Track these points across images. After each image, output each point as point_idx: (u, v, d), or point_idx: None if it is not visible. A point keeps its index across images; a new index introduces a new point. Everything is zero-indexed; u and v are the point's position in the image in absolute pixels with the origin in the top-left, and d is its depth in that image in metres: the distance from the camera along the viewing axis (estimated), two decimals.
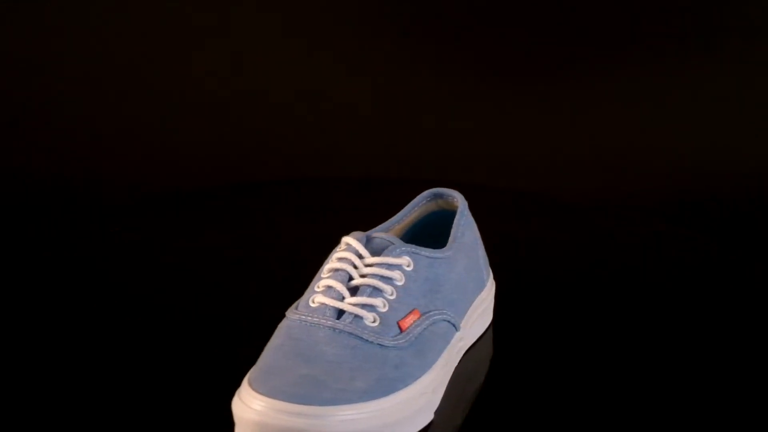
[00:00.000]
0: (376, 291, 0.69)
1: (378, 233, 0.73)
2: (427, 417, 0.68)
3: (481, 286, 0.79)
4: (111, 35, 1.38)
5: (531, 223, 1.09)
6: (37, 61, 1.35)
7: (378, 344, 0.67)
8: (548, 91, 1.44)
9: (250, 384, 0.64)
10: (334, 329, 0.67)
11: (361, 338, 0.67)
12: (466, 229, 0.79)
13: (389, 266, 0.70)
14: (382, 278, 0.70)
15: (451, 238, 0.77)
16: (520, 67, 1.44)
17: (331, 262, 0.71)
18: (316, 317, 0.68)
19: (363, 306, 0.68)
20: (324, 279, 0.70)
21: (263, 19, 1.42)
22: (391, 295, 0.69)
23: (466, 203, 0.81)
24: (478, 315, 0.79)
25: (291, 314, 0.69)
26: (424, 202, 0.83)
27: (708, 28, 1.40)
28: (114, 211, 1.14)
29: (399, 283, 0.70)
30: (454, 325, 0.73)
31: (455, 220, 0.79)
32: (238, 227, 1.02)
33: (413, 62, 1.45)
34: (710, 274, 0.98)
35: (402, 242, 0.72)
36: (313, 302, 0.69)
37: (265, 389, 0.62)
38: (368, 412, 0.63)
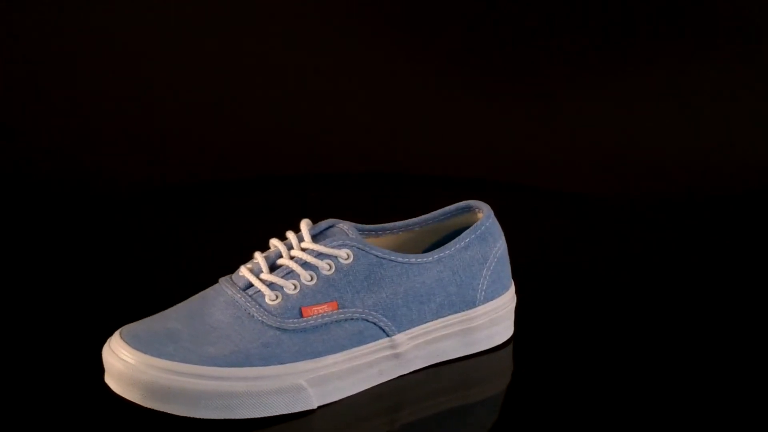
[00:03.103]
0: (292, 274, 0.70)
1: (345, 223, 0.74)
2: (292, 405, 0.68)
3: (462, 305, 0.75)
4: (109, 31, 1.37)
5: (545, 220, 1.11)
6: (34, 57, 1.36)
7: (260, 320, 0.68)
8: (553, 90, 1.42)
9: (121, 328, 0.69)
10: (234, 298, 0.70)
11: (248, 312, 0.69)
12: (473, 244, 0.76)
13: (319, 255, 0.71)
14: (306, 264, 0.71)
15: (441, 248, 0.75)
16: (525, 66, 1.42)
17: (275, 240, 0.73)
18: (229, 285, 0.71)
19: (270, 284, 0.70)
20: (258, 253, 0.73)
21: (263, 16, 1.40)
22: (310, 281, 0.70)
23: (489, 218, 0.77)
24: (455, 333, 0.75)
25: (220, 279, 0.73)
26: (459, 213, 0.80)
27: (709, 27, 1.38)
28: (116, 207, 1.19)
29: (325, 273, 0.70)
30: (383, 330, 0.71)
31: (465, 232, 0.76)
32: (241, 222, 1.05)
33: (418, 59, 1.42)
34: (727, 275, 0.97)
35: (358, 239, 0.72)
36: (240, 272, 0.72)
37: (125, 333, 0.68)
38: (199, 375, 0.65)
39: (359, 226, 0.77)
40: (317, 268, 0.71)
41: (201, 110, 1.36)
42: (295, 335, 0.69)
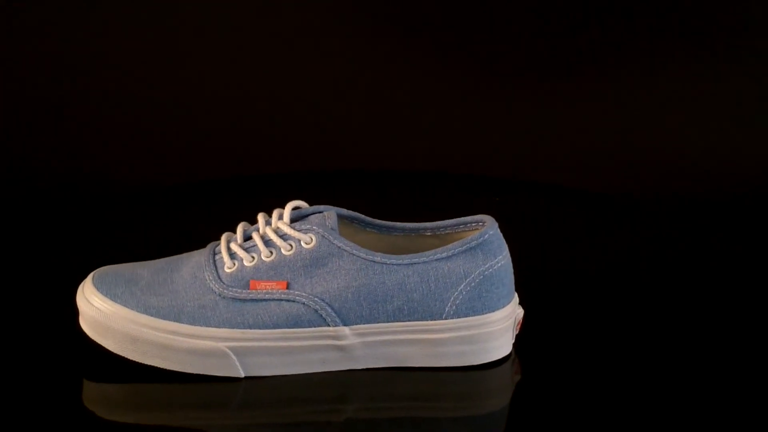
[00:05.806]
0: (255, 248, 0.74)
1: (331, 211, 0.75)
2: (215, 369, 0.71)
3: (425, 315, 0.73)
4: (109, 30, 1.35)
5: (546, 219, 1.11)
6: (34, 58, 1.33)
7: (208, 284, 0.73)
8: (555, 89, 1.41)
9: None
10: (201, 260, 0.75)
11: (203, 274, 0.73)
12: (457, 256, 0.73)
13: (285, 235, 0.74)
14: (269, 241, 0.74)
15: (418, 254, 0.74)
16: (526, 65, 1.41)
17: (261, 215, 0.77)
18: (208, 248, 0.76)
19: (233, 254, 0.74)
20: (241, 224, 0.77)
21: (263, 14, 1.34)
22: (268, 257, 0.73)
23: (485, 235, 0.74)
24: (418, 342, 0.73)
25: (210, 243, 0.78)
26: (475, 226, 0.78)
27: (710, 27, 1.38)
28: (116, 207, 1.17)
29: (284, 253, 0.73)
30: (324, 319, 0.72)
31: (453, 243, 0.74)
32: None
33: (418, 58, 1.41)
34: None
35: (329, 228, 0.73)
36: (221, 238, 0.77)
37: (97, 272, 0.75)
38: (129, 319, 0.71)
39: (369, 220, 0.78)
40: (278, 247, 0.73)
41: (201, 110, 1.39)
42: (231, 303, 0.72)
